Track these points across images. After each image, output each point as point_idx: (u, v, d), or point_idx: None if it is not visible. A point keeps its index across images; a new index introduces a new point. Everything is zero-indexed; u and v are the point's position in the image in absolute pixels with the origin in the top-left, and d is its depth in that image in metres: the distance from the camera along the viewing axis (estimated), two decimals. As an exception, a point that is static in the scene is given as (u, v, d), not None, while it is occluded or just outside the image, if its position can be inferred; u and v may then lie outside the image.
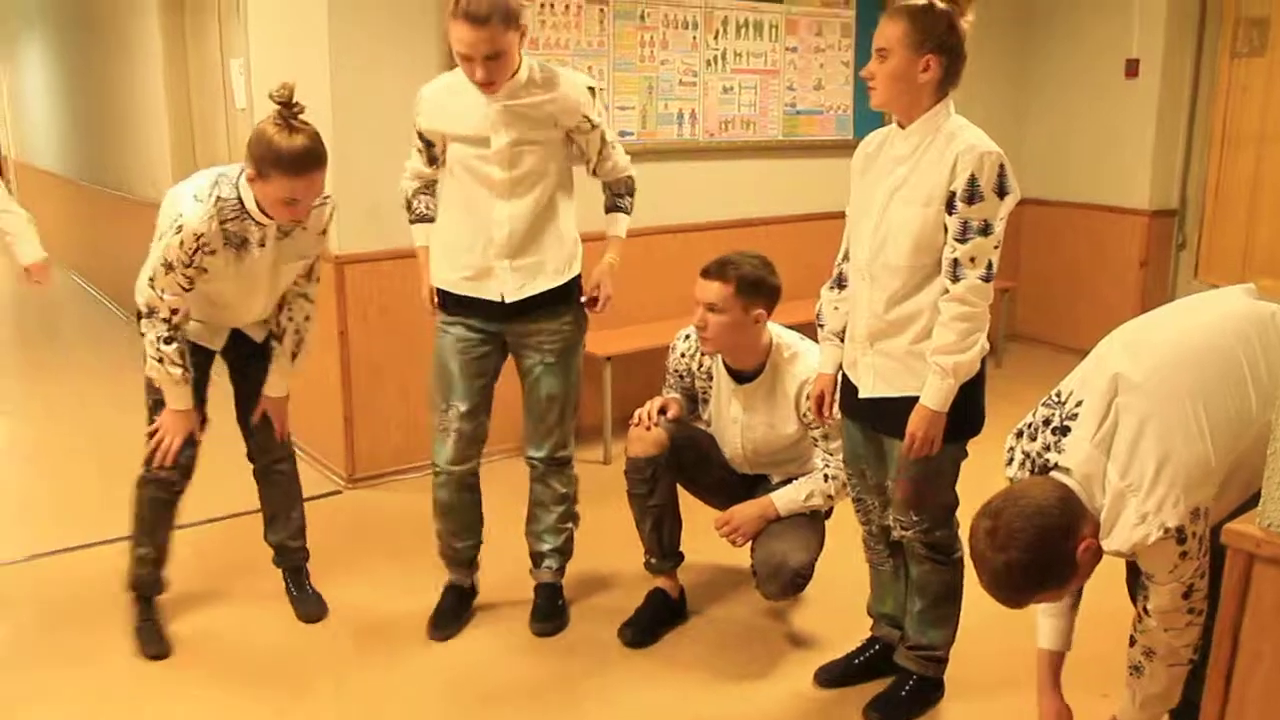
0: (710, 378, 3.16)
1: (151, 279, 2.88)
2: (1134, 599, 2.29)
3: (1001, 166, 2.39)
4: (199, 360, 3.09)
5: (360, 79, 4.08)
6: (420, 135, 3.03)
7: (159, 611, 3.25)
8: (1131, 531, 2.02)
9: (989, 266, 2.41)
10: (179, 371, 2.94)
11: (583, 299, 3.13)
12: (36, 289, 3.13)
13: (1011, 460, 2.27)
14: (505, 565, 3.40)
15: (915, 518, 2.63)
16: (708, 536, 3.21)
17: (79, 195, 9.21)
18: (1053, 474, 2.13)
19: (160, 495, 3.13)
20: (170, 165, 6.25)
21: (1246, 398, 2.10)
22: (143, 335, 2.96)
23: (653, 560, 3.24)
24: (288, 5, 4.46)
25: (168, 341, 2.91)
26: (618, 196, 3.20)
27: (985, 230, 2.39)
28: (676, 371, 3.22)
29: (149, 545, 3.20)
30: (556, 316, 3.07)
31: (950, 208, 2.40)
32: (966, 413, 2.52)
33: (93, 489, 4.43)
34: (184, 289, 2.88)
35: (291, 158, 2.72)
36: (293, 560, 3.41)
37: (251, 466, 3.33)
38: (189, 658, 3.13)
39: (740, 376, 3.09)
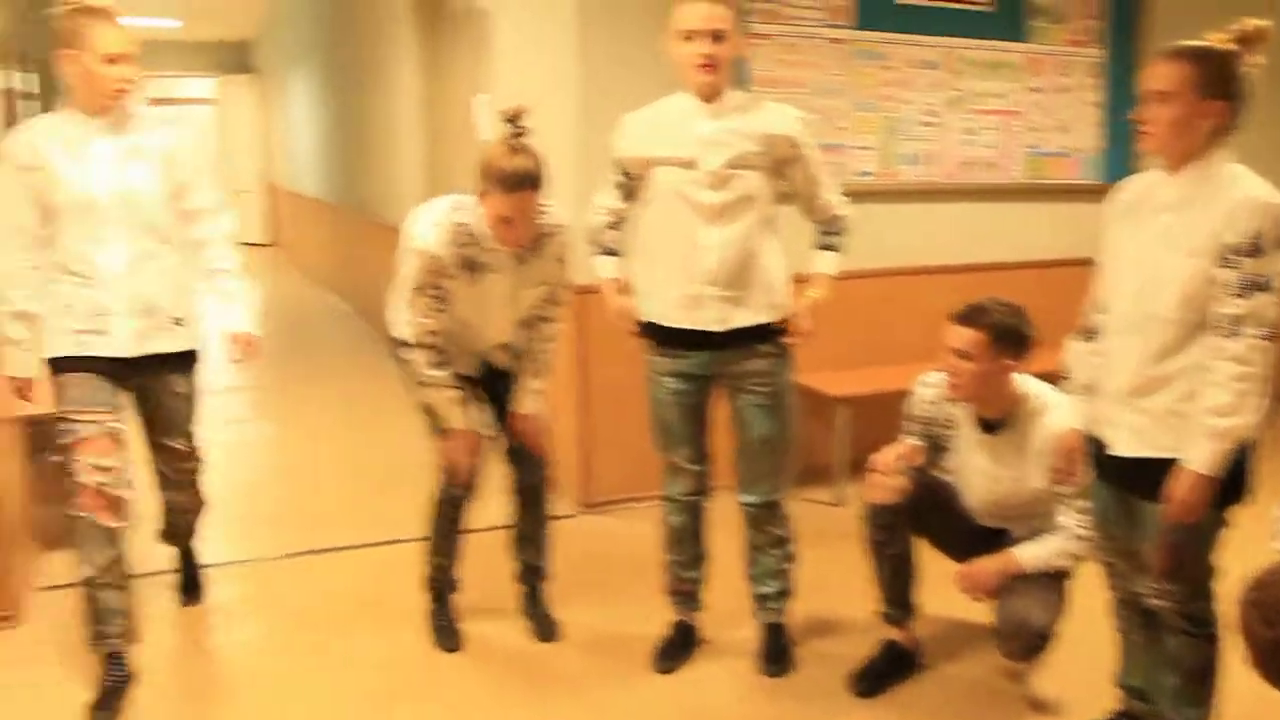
0: (955, 425, 3.11)
1: (403, 305, 3.08)
2: None
3: None
4: (466, 384, 3.25)
5: (605, 117, 4.19)
6: (620, 165, 3.08)
7: (453, 609, 3.49)
8: None
9: (1269, 325, 2.28)
10: (454, 393, 3.14)
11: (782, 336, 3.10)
12: (238, 364, 3.37)
13: (1278, 533, 2.15)
14: (728, 601, 3.43)
15: (1171, 587, 2.50)
16: (946, 588, 3.15)
17: (337, 219, 9.80)
18: None
19: (452, 512, 3.36)
20: (418, 193, 6.60)
21: None
22: (405, 364, 3.15)
23: (887, 610, 3.20)
24: (535, 44, 4.65)
25: (437, 366, 3.10)
26: (828, 235, 3.15)
27: (1267, 287, 2.26)
28: (920, 418, 3.14)
29: (444, 554, 3.43)
30: (768, 355, 3.07)
31: (1228, 261, 2.27)
32: (1233, 479, 2.37)
33: (345, 496, 4.72)
34: (435, 309, 3.06)
35: (508, 175, 2.87)
36: (535, 578, 3.54)
37: (510, 486, 3.45)
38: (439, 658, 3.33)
39: (987, 426, 3.02)
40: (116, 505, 3.02)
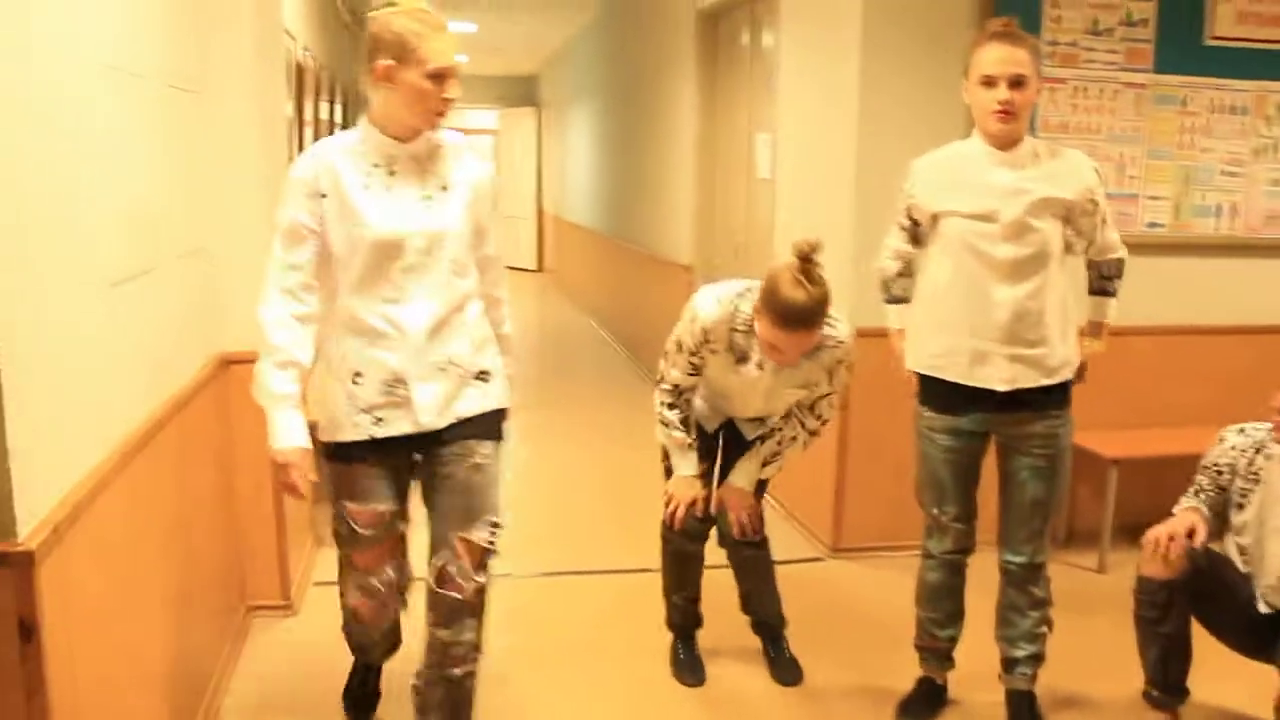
0: (1258, 480, 2.88)
1: (666, 352, 3.13)
2: None
3: None
4: (704, 437, 3.27)
5: (884, 152, 4.16)
6: (910, 211, 3.01)
7: (695, 644, 3.49)
8: None
9: None
10: (681, 435, 3.15)
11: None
12: None
13: None
14: (976, 662, 3.27)
15: None
16: (1224, 675, 2.92)
17: (605, 249, 10.09)
18: None
19: (679, 550, 3.37)
20: (691, 228, 6.70)
21: None
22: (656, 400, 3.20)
23: (1154, 692, 3.00)
24: (818, 82, 4.64)
25: (670, 407, 3.15)
26: (1105, 279, 3.04)
27: None
28: (1221, 465, 2.94)
29: (678, 593, 3.45)
30: (1051, 416, 2.93)
31: None
32: None
33: (602, 521, 4.82)
34: (689, 372, 3.09)
35: (785, 309, 2.78)
36: (770, 632, 3.51)
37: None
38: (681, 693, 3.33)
39: None
40: (386, 610, 2.84)
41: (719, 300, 3.01)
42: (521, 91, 16.63)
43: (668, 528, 3.30)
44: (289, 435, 2.49)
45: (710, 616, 3.53)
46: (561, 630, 3.74)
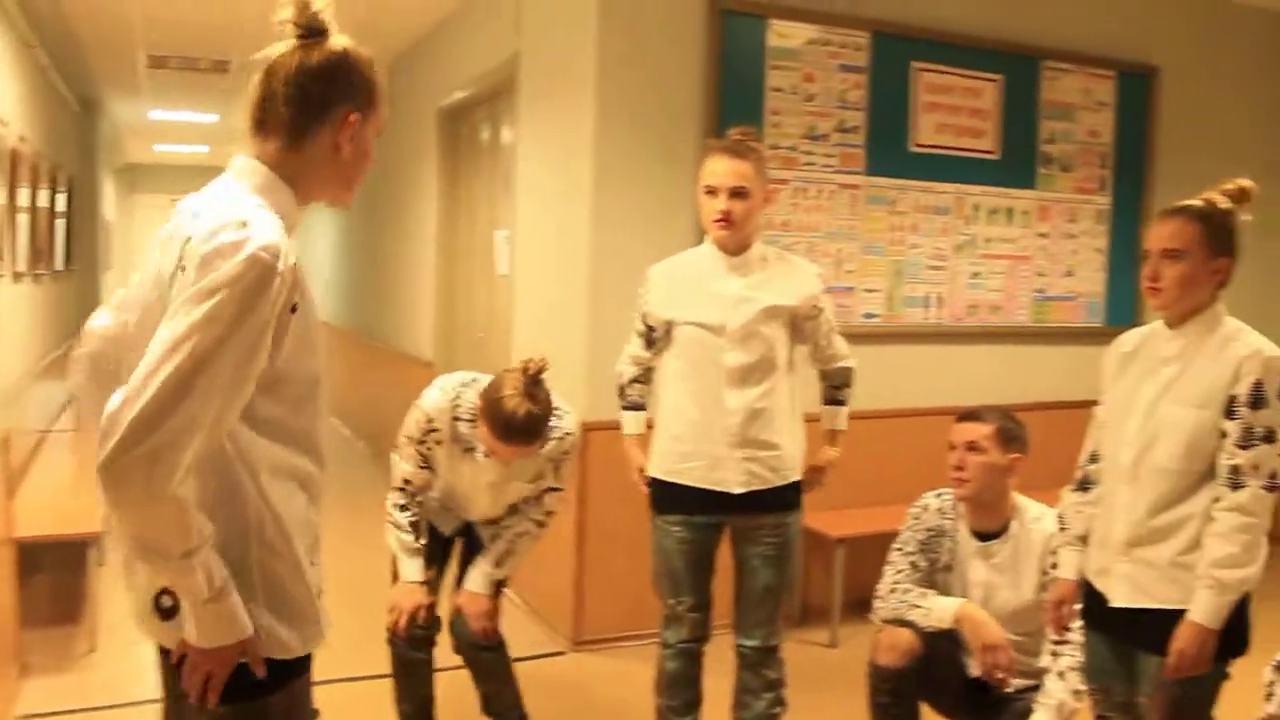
0: (954, 542, 3.08)
1: (397, 447, 3.11)
2: None
3: None
4: (438, 540, 3.25)
5: (620, 251, 4.28)
6: (644, 318, 3.11)
7: None
8: None
9: (1273, 476, 2.30)
10: (409, 539, 3.12)
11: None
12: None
13: (1271, 695, 2.12)
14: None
15: (1171, 741, 2.45)
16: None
17: (347, 346, 9.90)
18: None
19: (405, 658, 3.28)
20: (433, 324, 6.67)
21: None
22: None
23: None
24: (555, 180, 4.75)
25: (402, 509, 3.12)
26: (836, 389, 3.23)
27: (1269, 438, 2.29)
28: (929, 529, 3.11)
29: (407, 702, 3.36)
30: (782, 511, 3.07)
31: (1231, 413, 2.31)
32: (1233, 630, 2.35)
33: (340, 628, 4.64)
34: (418, 465, 3.08)
35: (504, 421, 2.81)
36: None
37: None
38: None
39: (984, 537, 3.04)
40: None
41: (442, 389, 3.03)
42: (262, 184, 16.20)
43: (393, 635, 3.22)
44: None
45: (454, 714, 3.45)
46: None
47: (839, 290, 4.83)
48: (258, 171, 1.76)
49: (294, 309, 1.69)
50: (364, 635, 3.41)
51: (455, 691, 3.44)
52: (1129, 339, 2.60)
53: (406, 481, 3.11)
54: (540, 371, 2.85)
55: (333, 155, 1.77)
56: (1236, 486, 2.30)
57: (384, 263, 8.31)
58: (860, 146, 4.88)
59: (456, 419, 3.01)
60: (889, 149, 4.94)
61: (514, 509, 3.22)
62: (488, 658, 3.33)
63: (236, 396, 1.60)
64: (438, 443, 3.04)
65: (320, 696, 3.54)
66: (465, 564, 3.30)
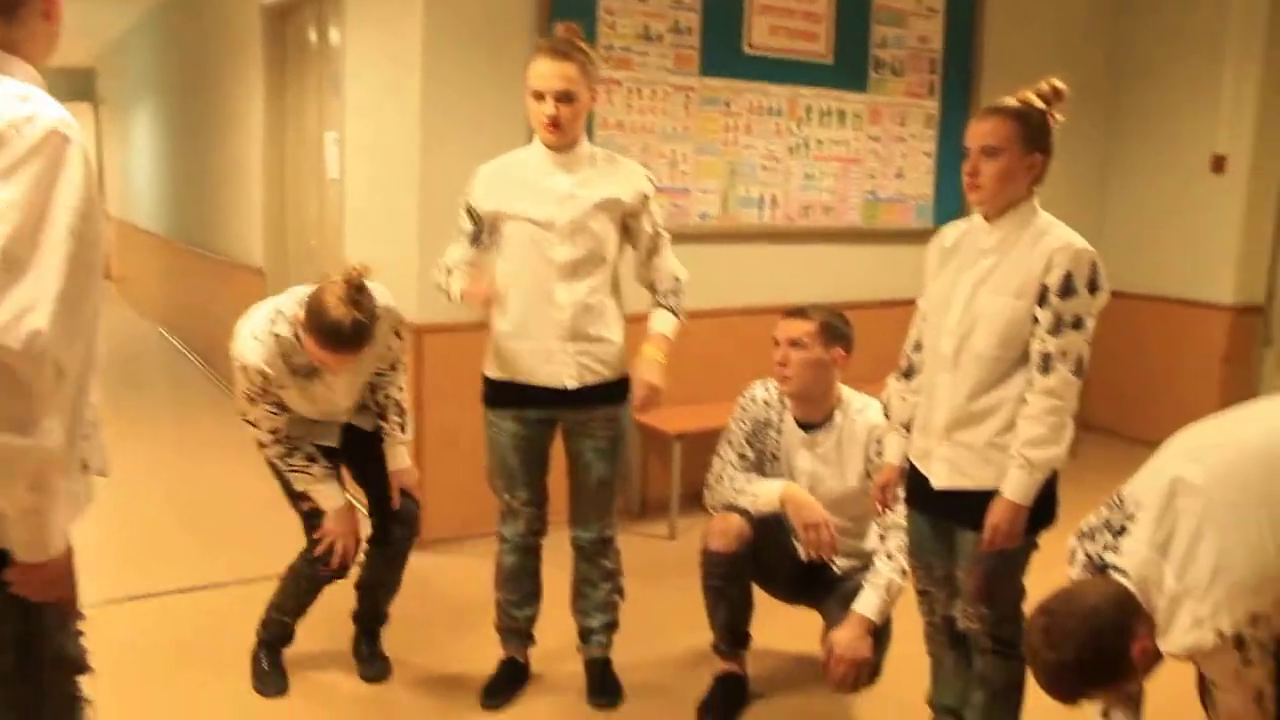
0: (780, 433, 3.18)
1: (244, 414, 3.03)
2: (1204, 701, 2.25)
3: (1094, 264, 2.42)
4: (328, 457, 3.21)
5: (447, 154, 4.21)
6: (470, 214, 3.03)
7: (281, 655, 3.37)
8: (1186, 635, 2.01)
9: (1079, 361, 2.42)
10: (317, 469, 3.10)
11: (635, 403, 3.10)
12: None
13: (1074, 560, 2.27)
14: (558, 637, 3.41)
15: (985, 610, 2.60)
16: (772, 620, 3.19)
17: (174, 254, 9.53)
18: (1111, 574, 2.13)
19: (321, 578, 3.26)
20: (261, 229, 6.46)
21: None
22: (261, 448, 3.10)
23: (722, 645, 3.22)
24: (383, 83, 4.63)
25: (289, 455, 3.08)
26: (664, 294, 3.14)
27: (1078, 325, 2.41)
28: (755, 420, 3.19)
29: (290, 614, 3.34)
30: (614, 403, 3.10)
31: (1043, 301, 2.42)
32: (1042, 506, 2.50)
33: (172, 539, 4.54)
34: (274, 414, 3.02)
35: (330, 331, 2.77)
36: (376, 623, 3.47)
37: (373, 537, 3.37)
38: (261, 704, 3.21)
39: (809, 427, 3.13)
40: None
41: (256, 338, 2.94)
42: (76, 86, 15.32)
43: (318, 562, 3.19)
44: None
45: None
46: (129, 661, 3.47)
47: (674, 191, 4.87)
48: None
49: None
50: (202, 546, 3.35)
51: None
52: (949, 233, 2.69)
53: (274, 431, 3.05)
54: (361, 279, 2.82)
55: (45, 23, 1.81)
56: (1047, 371, 2.42)
57: (213, 170, 7.98)
58: (694, 48, 4.88)
59: (285, 356, 2.95)
60: (723, 51, 4.95)
61: (375, 388, 3.25)
62: (410, 543, 3.38)
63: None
64: (281, 388, 2.98)
65: (168, 609, 3.49)
66: (369, 484, 3.33)
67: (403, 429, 3.30)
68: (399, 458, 3.30)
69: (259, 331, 2.94)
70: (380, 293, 3.02)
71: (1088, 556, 2.22)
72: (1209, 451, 2.17)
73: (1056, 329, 2.41)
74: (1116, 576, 2.12)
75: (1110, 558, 2.15)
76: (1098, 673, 2.08)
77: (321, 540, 3.15)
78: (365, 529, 3.31)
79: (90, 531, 4.26)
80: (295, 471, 3.10)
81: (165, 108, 9.94)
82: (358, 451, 3.31)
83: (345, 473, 3.33)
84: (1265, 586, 2.02)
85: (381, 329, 3.01)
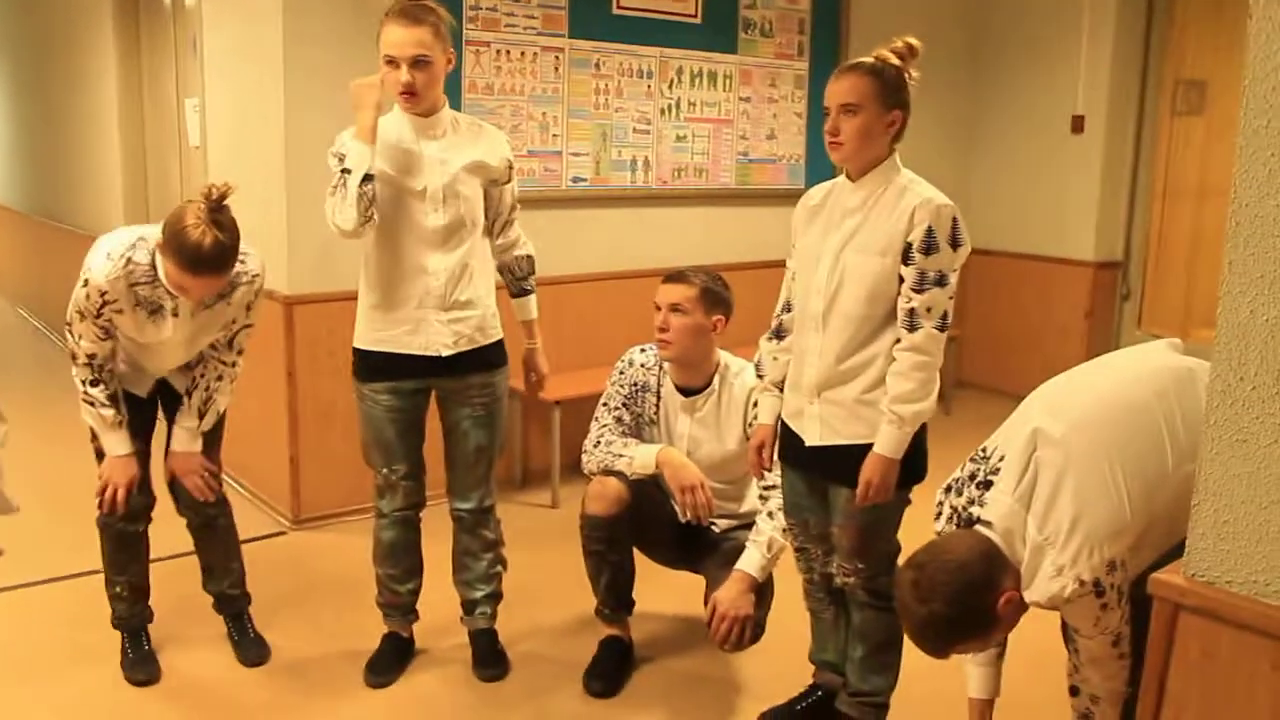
0: (659, 397, 3.19)
1: (69, 324, 2.88)
2: (1068, 645, 2.33)
3: (955, 219, 2.46)
4: (138, 406, 3.07)
5: (313, 119, 4.09)
6: (343, 160, 2.88)
7: (146, 639, 3.25)
8: (1049, 584, 2.09)
9: (944, 316, 2.46)
10: (110, 413, 2.94)
11: (522, 387, 3.24)
12: None
13: (940, 514, 2.33)
14: (437, 613, 3.37)
15: (860, 565, 2.65)
16: (653, 582, 3.21)
17: (26, 228, 9.14)
18: (976, 528, 2.19)
19: (122, 533, 3.12)
20: (121, 201, 6.22)
21: (1163, 453, 2.18)
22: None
23: (605, 610, 3.23)
24: (243, 45, 4.48)
25: (93, 384, 2.92)
26: (521, 279, 3.20)
27: (941, 281, 2.44)
28: (634, 384, 3.20)
29: (121, 582, 3.19)
30: (488, 370, 3.07)
31: (907, 259, 2.45)
32: (913, 460, 2.55)
33: (31, 527, 4.36)
34: (99, 338, 2.87)
35: (194, 255, 2.64)
36: (234, 607, 3.37)
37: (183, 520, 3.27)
38: (136, 695, 3.11)
39: (688, 392, 3.15)
40: None
41: (109, 256, 2.79)
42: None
43: (106, 514, 3.06)
44: None
45: (163, 609, 3.33)
46: (12, 650, 3.34)
47: (546, 155, 4.83)
48: None
49: None
50: (72, 535, 3.21)
51: (167, 580, 3.32)
52: (815, 193, 2.72)
53: (91, 356, 2.89)
54: (223, 197, 2.69)
55: None
56: (913, 328, 2.46)
57: (66, 139, 7.64)
58: (563, 8, 4.82)
59: (134, 285, 2.82)
60: (591, 11, 4.90)
61: (201, 359, 3.08)
62: (221, 524, 3.25)
63: None
64: (117, 312, 2.84)
65: (25, 600, 3.34)
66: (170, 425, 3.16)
67: (201, 414, 3.08)
68: (181, 439, 3.09)
69: (114, 251, 2.80)
70: (252, 257, 2.93)
71: (953, 510, 2.28)
72: (1066, 403, 2.24)
73: (920, 286, 2.44)
74: (981, 529, 2.18)
75: (975, 510, 2.21)
76: (966, 625, 2.14)
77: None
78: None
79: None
80: (89, 403, 2.93)
81: (12, 73, 9.47)
82: (169, 412, 3.18)
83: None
84: (1121, 533, 2.10)
85: (242, 291, 2.92)
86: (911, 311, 2.45)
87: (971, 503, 2.23)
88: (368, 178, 2.79)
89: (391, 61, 2.82)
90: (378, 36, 2.87)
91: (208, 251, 2.64)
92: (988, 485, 2.21)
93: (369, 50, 3.85)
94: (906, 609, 2.16)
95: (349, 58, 4.15)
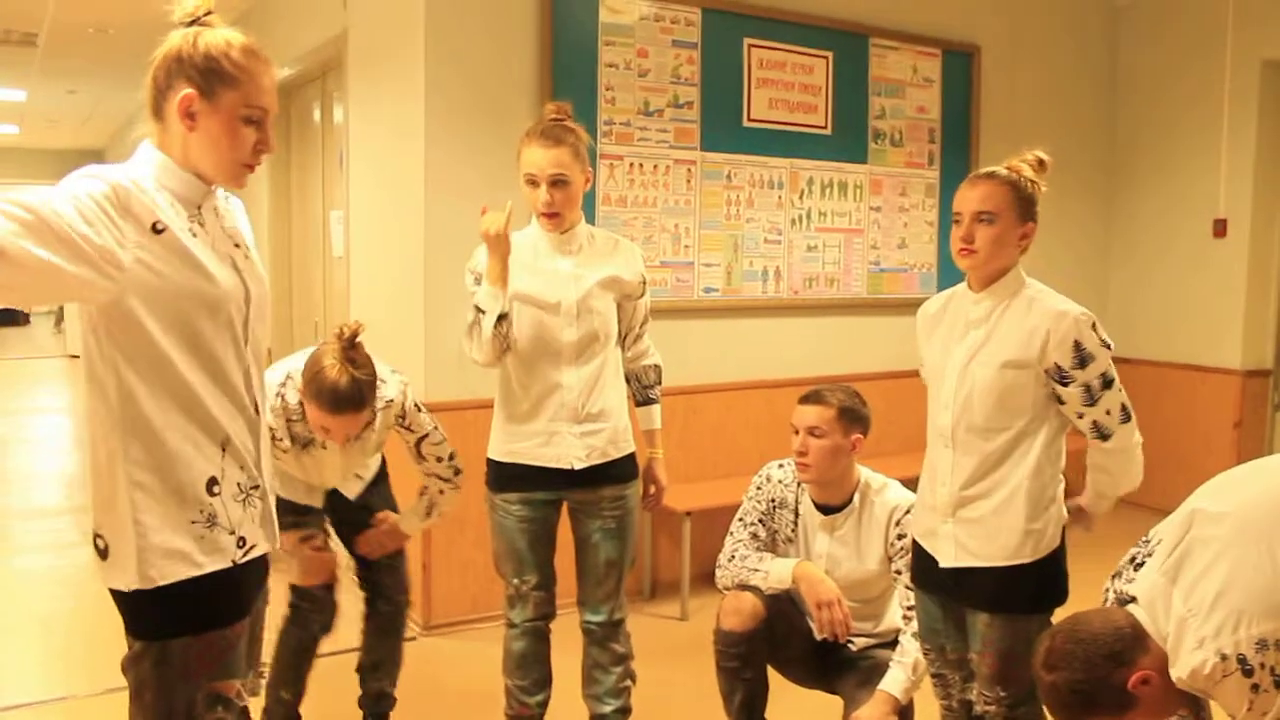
0: (797, 515, 3.14)
1: None
2: None
3: (1094, 323, 2.44)
4: (310, 517, 3.17)
5: (451, 233, 4.22)
6: (479, 280, 2.98)
7: None
8: (1190, 657, 1.97)
9: (1124, 409, 2.50)
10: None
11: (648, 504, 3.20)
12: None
13: (1105, 600, 2.25)
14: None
15: (1002, 693, 2.54)
16: (786, 701, 3.12)
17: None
18: (1127, 606, 2.11)
19: (302, 640, 3.23)
20: (269, 308, 6.46)
21: None
22: None
23: (739, 730, 3.16)
24: (387, 161, 4.66)
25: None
26: (648, 388, 3.23)
27: (1107, 384, 2.45)
28: (771, 500, 3.15)
29: (288, 686, 3.27)
30: (620, 483, 3.08)
31: (1064, 381, 2.43)
32: (1053, 582, 2.47)
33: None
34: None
35: (329, 394, 2.74)
36: (383, 706, 3.41)
37: (365, 611, 3.35)
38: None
39: (827, 510, 3.09)
40: None
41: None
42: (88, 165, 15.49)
43: (302, 601, 3.19)
44: None
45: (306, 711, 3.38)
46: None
47: (678, 265, 4.88)
48: (142, 148, 1.97)
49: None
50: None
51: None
52: (932, 304, 2.71)
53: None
54: (355, 335, 2.79)
55: (187, 135, 1.93)
56: (1104, 436, 2.49)
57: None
58: (695, 122, 4.91)
59: (290, 421, 2.94)
60: (723, 124, 4.99)
61: (428, 476, 3.22)
62: (400, 613, 3.36)
63: None
64: (284, 451, 2.96)
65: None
66: (344, 527, 3.30)
67: (428, 514, 3.24)
68: (407, 520, 3.27)
69: (269, 391, 2.91)
70: (390, 384, 3.01)
71: (1115, 595, 2.21)
72: (1229, 490, 2.17)
73: (1090, 399, 2.44)
74: (1129, 607, 2.10)
75: (1125, 588, 2.14)
76: (1093, 700, 2.06)
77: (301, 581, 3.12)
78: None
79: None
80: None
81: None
82: (346, 519, 3.28)
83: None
84: (1273, 612, 1.98)
85: (380, 417, 3.00)
86: (1095, 424, 2.48)
87: (1127, 582, 2.15)
88: (501, 319, 2.88)
89: (532, 181, 2.90)
90: (518, 155, 2.95)
91: (345, 390, 2.73)
92: (1141, 565, 2.14)
93: (507, 167, 3.98)
94: (1038, 677, 2.11)
95: (488, 173, 4.30)
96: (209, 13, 1.98)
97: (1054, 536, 2.51)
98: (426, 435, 3.13)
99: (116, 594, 1.92)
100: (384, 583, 3.31)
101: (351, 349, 2.78)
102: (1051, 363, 2.42)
